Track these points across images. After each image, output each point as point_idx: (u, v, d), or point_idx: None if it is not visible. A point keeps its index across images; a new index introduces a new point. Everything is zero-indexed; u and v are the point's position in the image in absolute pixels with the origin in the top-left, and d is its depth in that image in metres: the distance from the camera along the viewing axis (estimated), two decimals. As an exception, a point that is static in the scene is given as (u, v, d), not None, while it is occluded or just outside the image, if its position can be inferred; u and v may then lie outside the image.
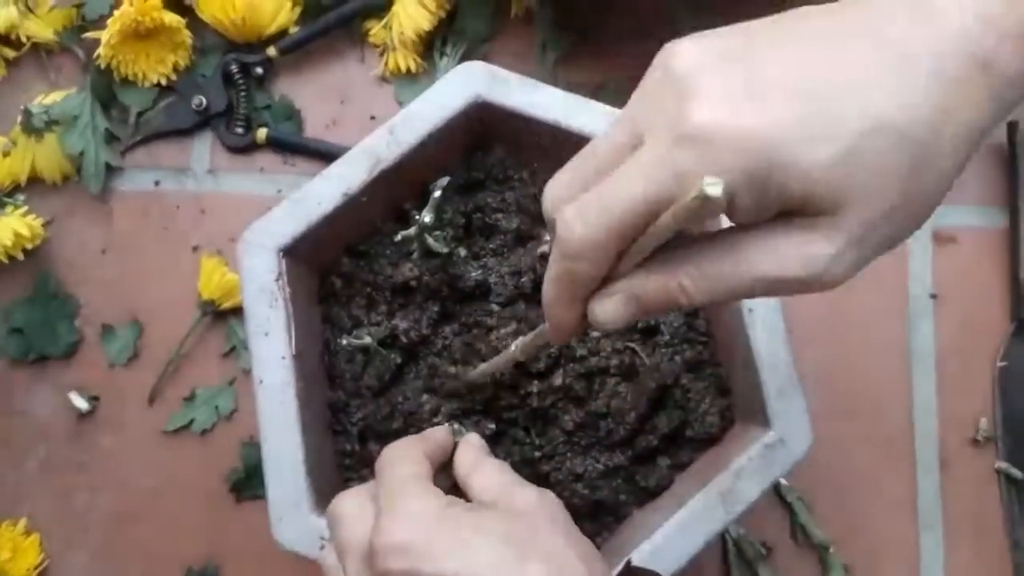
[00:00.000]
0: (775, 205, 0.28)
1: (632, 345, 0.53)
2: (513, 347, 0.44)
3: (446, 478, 0.43)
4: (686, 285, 0.30)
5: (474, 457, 0.43)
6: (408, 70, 0.66)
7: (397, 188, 0.52)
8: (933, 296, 0.66)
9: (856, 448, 0.63)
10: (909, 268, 0.67)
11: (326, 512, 0.41)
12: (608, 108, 0.50)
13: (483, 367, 0.48)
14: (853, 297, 0.65)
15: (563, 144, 0.52)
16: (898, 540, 0.62)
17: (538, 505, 0.38)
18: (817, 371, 0.63)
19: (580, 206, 0.29)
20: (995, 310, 0.66)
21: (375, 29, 0.66)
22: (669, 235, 0.28)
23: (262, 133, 0.65)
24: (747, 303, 0.49)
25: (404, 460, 0.41)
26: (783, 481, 0.62)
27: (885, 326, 0.65)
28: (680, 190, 0.26)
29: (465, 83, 0.50)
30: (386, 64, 0.66)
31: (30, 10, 0.65)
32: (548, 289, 0.32)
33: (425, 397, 0.51)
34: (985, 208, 0.68)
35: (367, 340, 0.50)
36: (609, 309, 0.31)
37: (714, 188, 0.25)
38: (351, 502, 0.40)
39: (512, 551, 0.35)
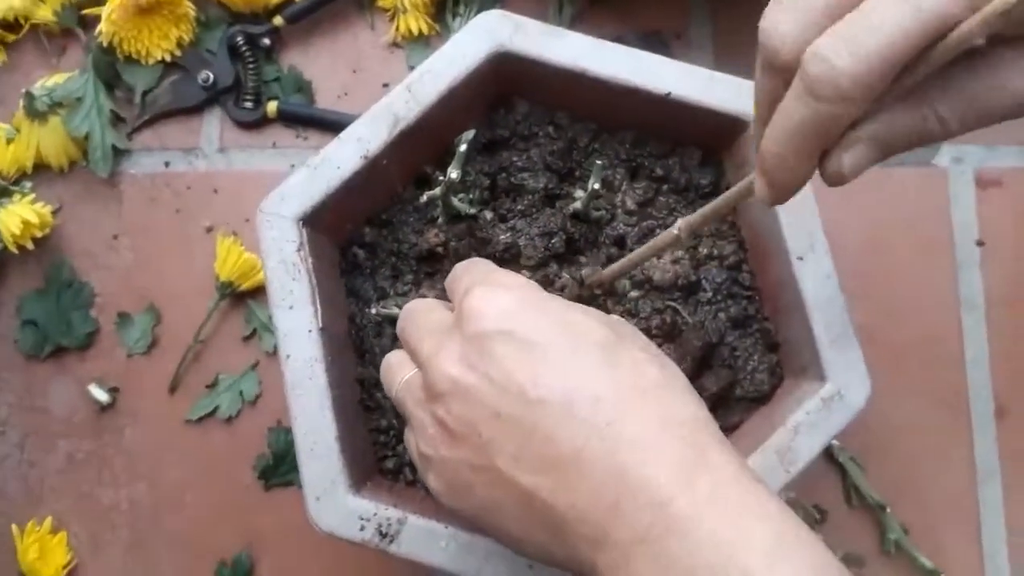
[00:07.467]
0: None
1: (673, 304, 0.50)
2: (677, 229, 0.40)
3: None
4: (943, 113, 0.27)
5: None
6: (420, 33, 0.63)
7: (418, 150, 0.49)
8: (980, 243, 0.63)
9: (908, 403, 0.61)
10: (952, 215, 0.64)
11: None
12: (638, 51, 0.48)
13: (620, 263, 0.45)
14: (897, 248, 0.62)
15: (589, 94, 0.49)
16: (956, 495, 0.60)
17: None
18: (864, 326, 0.60)
19: (841, 38, 0.26)
20: (1045, 254, 0.63)
21: (384, -8, 0.63)
22: (955, 53, 0.25)
23: (272, 106, 0.63)
24: (796, 251, 0.46)
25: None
26: (834, 441, 0.59)
27: (932, 277, 0.62)
28: None
29: (485, 33, 0.47)
30: (397, 28, 0.63)
31: (28, -9, 0.63)
32: (783, 140, 0.29)
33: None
34: (1028, 149, 0.65)
35: (395, 310, 0.48)
36: (854, 157, 0.29)
37: None
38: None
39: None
